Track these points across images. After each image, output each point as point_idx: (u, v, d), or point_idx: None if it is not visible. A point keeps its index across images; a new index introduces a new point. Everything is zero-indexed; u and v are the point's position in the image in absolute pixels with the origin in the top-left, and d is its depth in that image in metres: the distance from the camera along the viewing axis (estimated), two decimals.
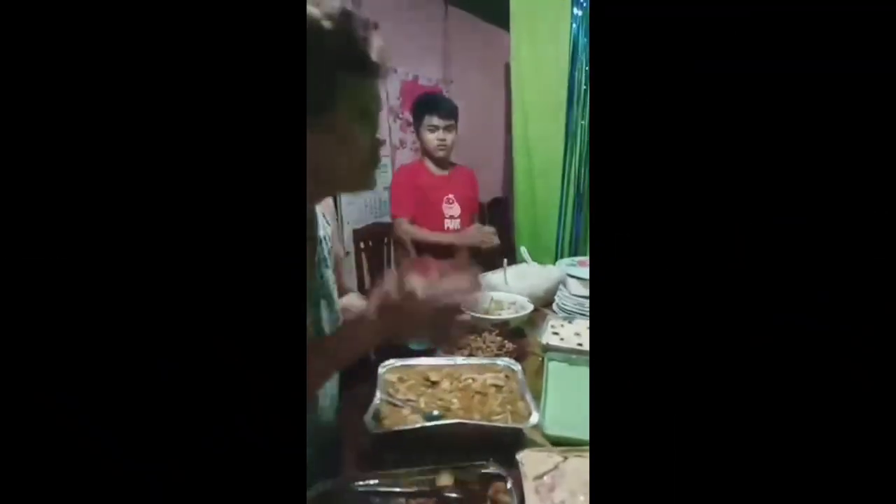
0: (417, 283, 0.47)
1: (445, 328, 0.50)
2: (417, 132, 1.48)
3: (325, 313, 0.64)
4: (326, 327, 0.64)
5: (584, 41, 1.42)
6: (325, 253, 0.68)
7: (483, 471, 0.55)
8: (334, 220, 0.76)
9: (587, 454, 0.59)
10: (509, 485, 0.53)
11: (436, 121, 1.41)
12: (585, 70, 1.43)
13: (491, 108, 2.91)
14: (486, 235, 1.42)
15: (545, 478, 0.55)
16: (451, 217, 1.51)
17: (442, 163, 1.49)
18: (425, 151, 1.49)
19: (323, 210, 0.69)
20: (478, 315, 1.07)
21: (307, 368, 0.37)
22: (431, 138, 1.43)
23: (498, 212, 2.27)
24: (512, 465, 0.56)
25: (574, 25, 1.43)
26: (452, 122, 1.44)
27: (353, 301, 0.78)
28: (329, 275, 0.67)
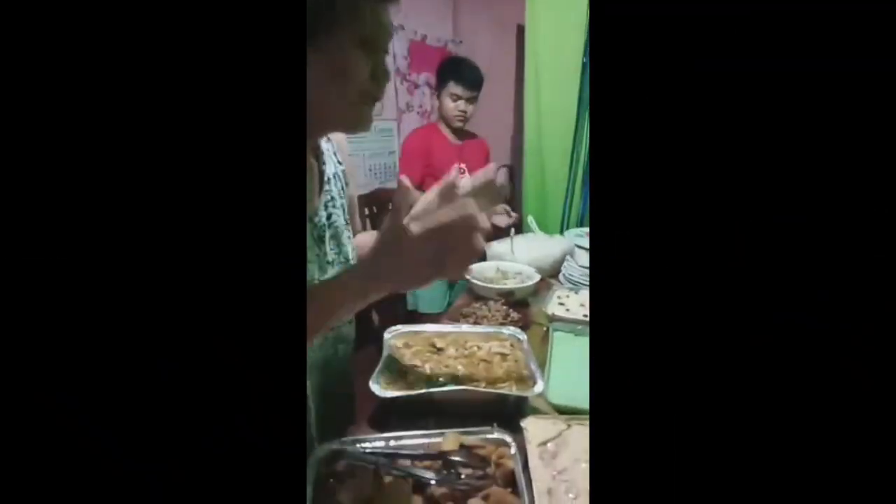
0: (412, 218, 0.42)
1: (446, 255, 0.43)
2: (438, 95, 1.41)
3: (331, 252, 0.62)
4: (333, 268, 0.62)
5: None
6: (336, 193, 0.66)
7: (488, 436, 0.56)
8: (348, 159, 0.73)
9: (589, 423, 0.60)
10: (513, 450, 0.54)
11: (460, 90, 1.35)
12: None
13: (501, 71, 2.81)
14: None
15: (549, 445, 0.56)
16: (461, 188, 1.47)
17: (458, 131, 1.45)
18: (443, 117, 1.43)
19: (335, 148, 0.67)
20: (483, 283, 1.06)
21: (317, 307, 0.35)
22: (452, 107, 1.38)
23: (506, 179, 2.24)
24: (516, 432, 0.57)
25: None
26: (476, 93, 1.38)
27: (365, 239, 0.77)
28: (339, 214, 0.65)
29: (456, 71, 1.35)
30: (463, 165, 1.44)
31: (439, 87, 1.39)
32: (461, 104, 1.36)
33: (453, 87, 1.34)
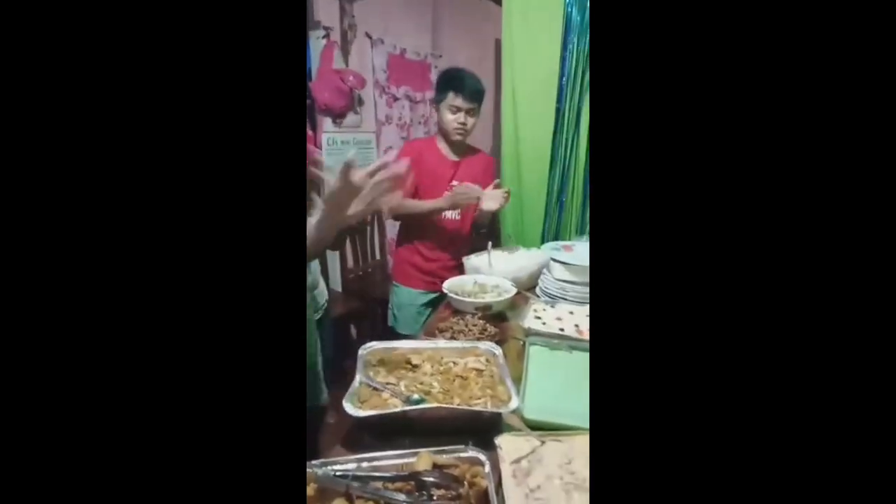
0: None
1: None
2: (437, 108, 1.34)
3: None
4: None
5: (577, 20, 1.39)
6: None
7: (461, 454, 0.56)
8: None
9: (565, 439, 0.60)
10: (487, 468, 0.54)
11: (460, 102, 1.28)
12: (577, 51, 1.39)
13: None
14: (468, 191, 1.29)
15: (522, 462, 0.56)
16: None
17: (457, 146, 1.37)
18: (441, 130, 1.36)
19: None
20: (460, 297, 1.07)
21: None
22: (451, 119, 1.30)
23: None
24: (490, 449, 0.57)
25: (567, 3, 1.39)
26: (477, 105, 1.31)
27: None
28: None
29: (456, 82, 1.28)
30: (459, 183, 1.36)
31: (438, 99, 1.32)
32: (461, 116, 1.29)
33: (453, 99, 1.28)
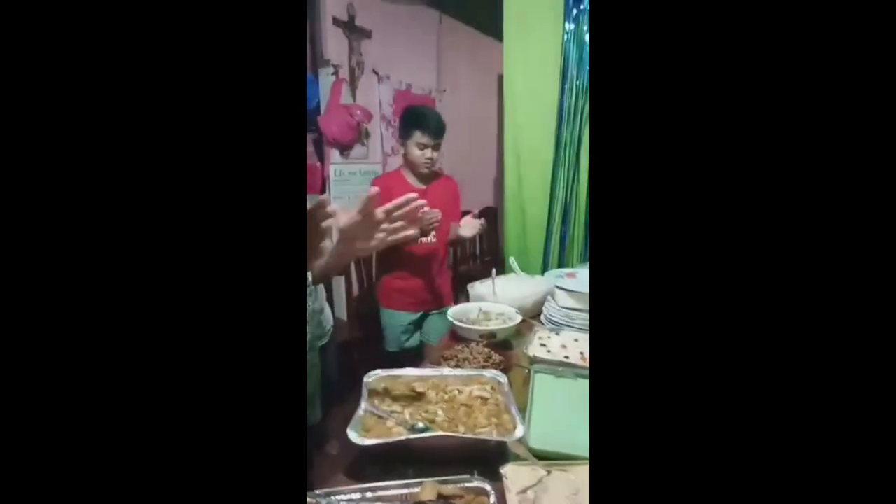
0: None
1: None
2: (403, 143, 1.45)
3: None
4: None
5: (575, 56, 1.45)
6: None
7: (467, 484, 0.55)
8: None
9: (571, 469, 0.59)
10: (493, 499, 0.53)
11: (426, 139, 1.39)
12: (576, 85, 1.45)
13: (484, 117, 2.94)
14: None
15: (528, 492, 0.55)
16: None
17: (422, 176, 1.47)
18: (409, 164, 1.46)
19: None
20: (466, 325, 1.07)
21: None
22: (419, 154, 1.41)
23: (489, 221, 2.29)
24: (496, 479, 0.56)
25: (566, 40, 1.46)
26: (441, 140, 1.43)
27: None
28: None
29: (421, 120, 1.40)
30: (427, 209, 1.42)
31: (404, 137, 1.43)
32: (428, 151, 1.41)
33: (420, 137, 1.39)
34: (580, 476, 0.58)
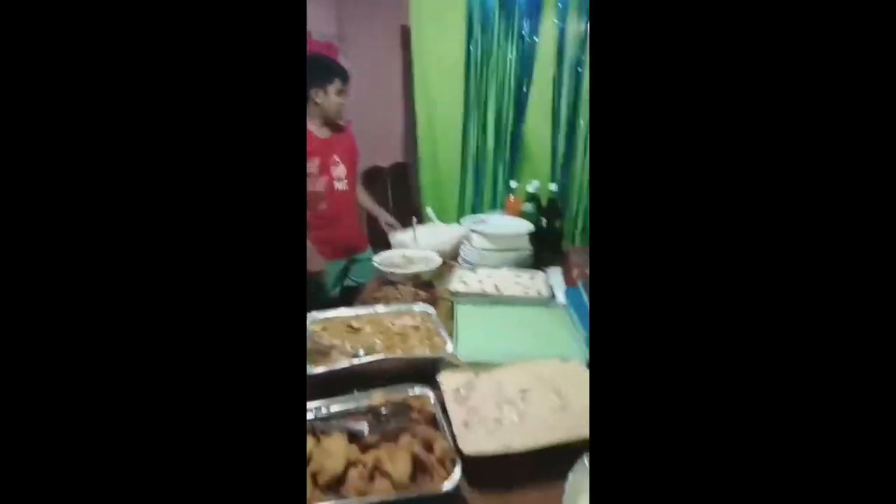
0: None
1: None
2: (316, 91, 1.40)
3: None
4: None
5: (479, 11, 1.50)
6: None
7: (409, 393, 0.64)
8: None
9: (493, 371, 0.71)
10: (433, 399, 0.63)
11: (340, 84, 1.40)
12: (481, 39, 1.50)
13: (387, 68, 2.87)
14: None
15: (461, 389, 0.66)
16: (339, 178, 1.48)
17: (329, 126, 1.47)
18: (323, 112, 1.43)
19: None
20: (391, 269, 1.14)
21: None
22: (339, 102, 1.41)
23: (401, 176, 2.32)
24: (434, 387, 0.66)
25: None
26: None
27: None
28: None
29: (337, 69, 1.41)
30: (336, 157, 1.46)
31: (317, 84, 1.39)
32: (342, 98, 1.42)
33: (340, 84, 1.39)
34: (501, 375, 0.70)
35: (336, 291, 1.54)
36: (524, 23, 1.47)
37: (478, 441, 0.56)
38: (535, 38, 1.48)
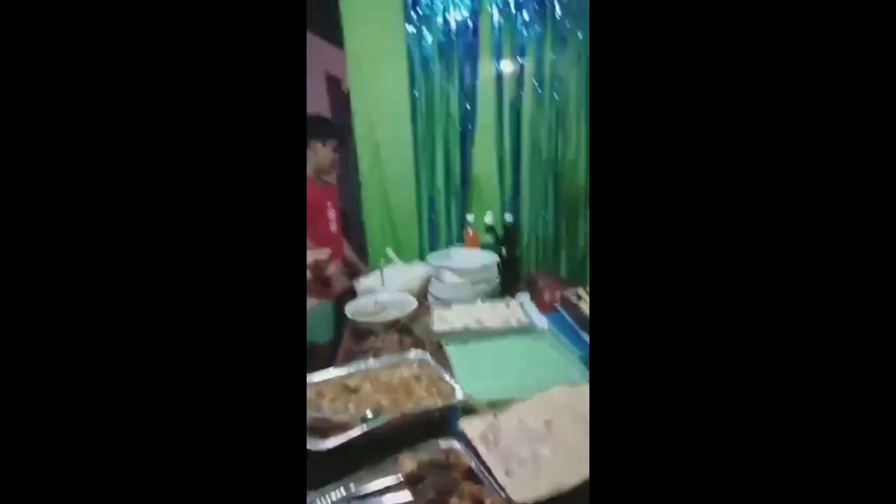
0: None
1: None
2: (317, 147, 1.54)
3: None
4: None
5: (419, 56, 1.55)
6: None
7: (436, 448, 0.60)
8: None
9: (511, 406, 0.70)
10: (462, 450, 0.60)
11: (335, 143, 1.56)
12: (427, 88, 1.56)
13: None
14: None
15: (487, 433, 0.63)
16: (331, 220, 1.62)
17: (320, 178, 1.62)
18: (318, 169, 1.56)
19: None
20: (367, 318, 1.09)
21: None
22: (335, 158, 1.58)
23: (347, 223, 2.26)
24: (456, 436, 0.63)
25: (409, 42, 1.54)
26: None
27: None
28: None
29: (333, 129, 1.58)
30: (328, 203, 1.61)
31: (320, 141, 1.54)
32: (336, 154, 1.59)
33: (335, 143, 1.56)
34: (519, 412, 0.69)
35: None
36: (465, 67, 1.56)
37: (527, 487, 0.54)
38: (475, 80, 1.58)
